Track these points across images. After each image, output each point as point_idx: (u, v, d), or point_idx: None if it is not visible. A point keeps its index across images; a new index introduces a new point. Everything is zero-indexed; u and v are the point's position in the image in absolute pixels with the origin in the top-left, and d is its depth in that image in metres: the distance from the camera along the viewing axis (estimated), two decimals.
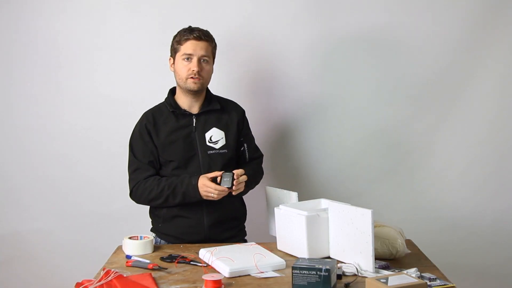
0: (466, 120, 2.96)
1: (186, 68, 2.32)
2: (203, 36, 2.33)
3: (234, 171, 2.24)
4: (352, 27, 2.89)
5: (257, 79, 2.94)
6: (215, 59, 2.44)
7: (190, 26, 2.38)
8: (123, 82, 2.89)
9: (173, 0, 2.85)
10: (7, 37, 2.85)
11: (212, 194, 2.22)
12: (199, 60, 2.32)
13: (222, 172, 2.24)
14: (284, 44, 2.90)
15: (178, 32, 2.38)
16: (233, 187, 2.21)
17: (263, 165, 2.60)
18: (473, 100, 2.94)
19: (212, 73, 2.41)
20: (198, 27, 2.37)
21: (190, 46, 2.32)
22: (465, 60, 2.91)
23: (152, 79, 2.84)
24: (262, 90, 2.95)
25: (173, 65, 2.40)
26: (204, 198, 2.25)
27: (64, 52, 2.87)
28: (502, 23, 2.88)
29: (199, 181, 2.24)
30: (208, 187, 2.21)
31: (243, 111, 2.51)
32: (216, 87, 2.52)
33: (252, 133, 2.57)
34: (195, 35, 2.32)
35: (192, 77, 2.32)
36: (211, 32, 2.39)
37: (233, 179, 2.21)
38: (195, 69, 2.31)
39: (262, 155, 2.59)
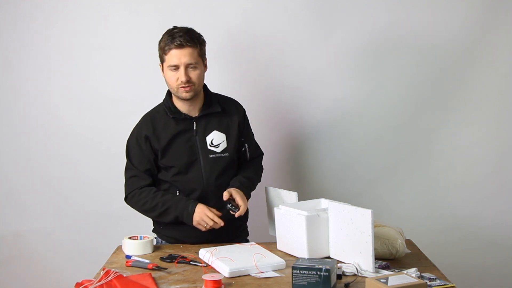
0: (466, 120, 2.96)
1: (175, 78, 2.22)
2: (185, 42, 2.19)
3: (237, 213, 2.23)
4: (352, 27, 2.89)
5: (258, 79, 2.93)
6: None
7: (174, 28, 2.24)
8: (123, 82, 2.89)
9: (173, 0, 2.85)
10: (7, 36, 2.85)
11: (206, 225, 2.20)
12: (186, 68, 2.21)
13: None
14: (285, 44, 2.90)
15: (162, 36, 2.25)
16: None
17: (263, 165, 2.58)
18: (473, 100, 2.94)
19: (204, 74, 2.31)
20: (180, 30, 2.22)
21: (173, 56, 2.20)
22: (465, 60, 2.91)
23: (152, 79, 2.83)
24: (263, 90, 2.94)
25: (163, 72, 2.30)
26: (195, 225, 2.22)
27: (64, 52, 2.87)
28: (502, 23, 2.88)
29: (197, 209, 2.21)
30: (207, 215, 2.19)
31: (244, 111, 2.45)
32: (217, 87, 2.51)
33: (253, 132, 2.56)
34: (176, 43, 2.18)
35: (182, 87, 2.24)
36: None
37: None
38: (183, 79, 2.21)
39: (262, 154, 2.56)
